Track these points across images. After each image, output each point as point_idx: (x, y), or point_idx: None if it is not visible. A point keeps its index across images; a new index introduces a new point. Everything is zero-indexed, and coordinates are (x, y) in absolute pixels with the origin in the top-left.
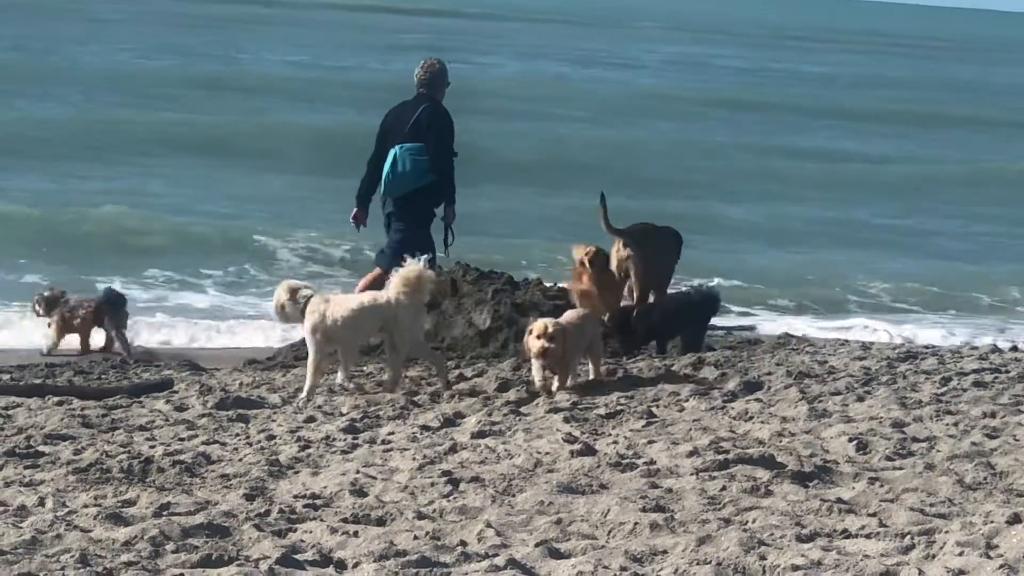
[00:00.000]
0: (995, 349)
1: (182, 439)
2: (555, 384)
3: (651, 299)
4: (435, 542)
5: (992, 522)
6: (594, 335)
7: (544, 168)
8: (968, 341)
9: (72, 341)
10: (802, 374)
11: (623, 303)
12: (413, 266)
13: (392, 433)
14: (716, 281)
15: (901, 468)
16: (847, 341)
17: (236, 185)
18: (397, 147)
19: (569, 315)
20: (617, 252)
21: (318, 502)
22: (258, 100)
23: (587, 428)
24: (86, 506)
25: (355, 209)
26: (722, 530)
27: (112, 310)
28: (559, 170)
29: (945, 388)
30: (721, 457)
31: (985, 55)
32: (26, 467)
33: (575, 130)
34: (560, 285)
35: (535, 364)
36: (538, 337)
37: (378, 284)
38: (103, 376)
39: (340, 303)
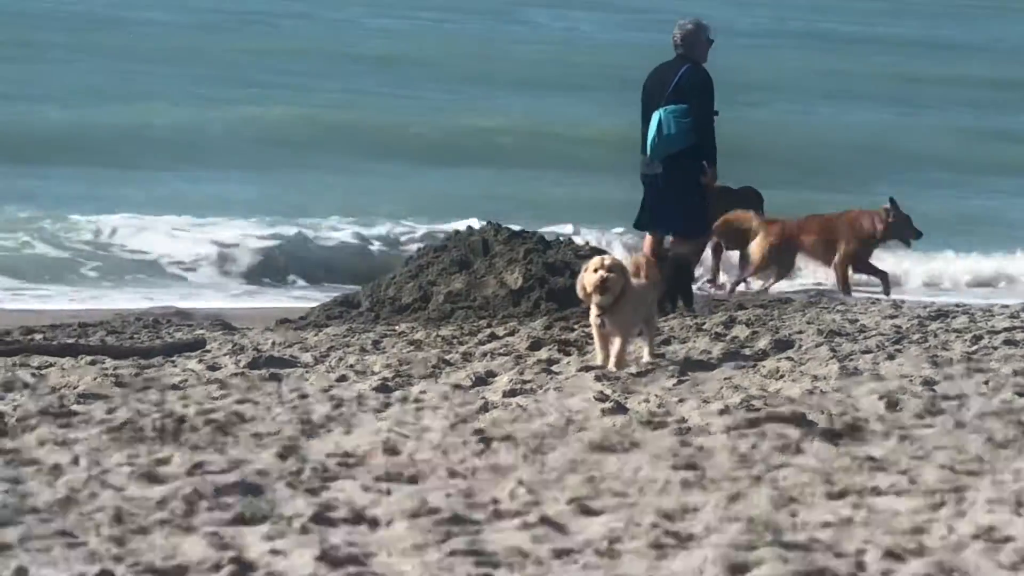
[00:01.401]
0: None
1: (215, 398)
2: (613, 351)
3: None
4: (467, 499)
5: (1022, 480)
6: (652, 306)
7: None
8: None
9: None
10: (833, 332)
11: None
12: None
13: (424, 392)
14: None
15: (931, 426)
16: (878, 299)
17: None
18: (661, 110)
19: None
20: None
21: (351, 460)
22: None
23: (618, 386)
24: (119, 465)
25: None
26: (753, 487)
27: None
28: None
29: (976, 346)
30: (752, 415)
31: None
32: (59, 426)
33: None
34: (592, 245)
35: (597, 336)
36: (595, 270)
37: (700, 250)
38: (135, 336)
39: None
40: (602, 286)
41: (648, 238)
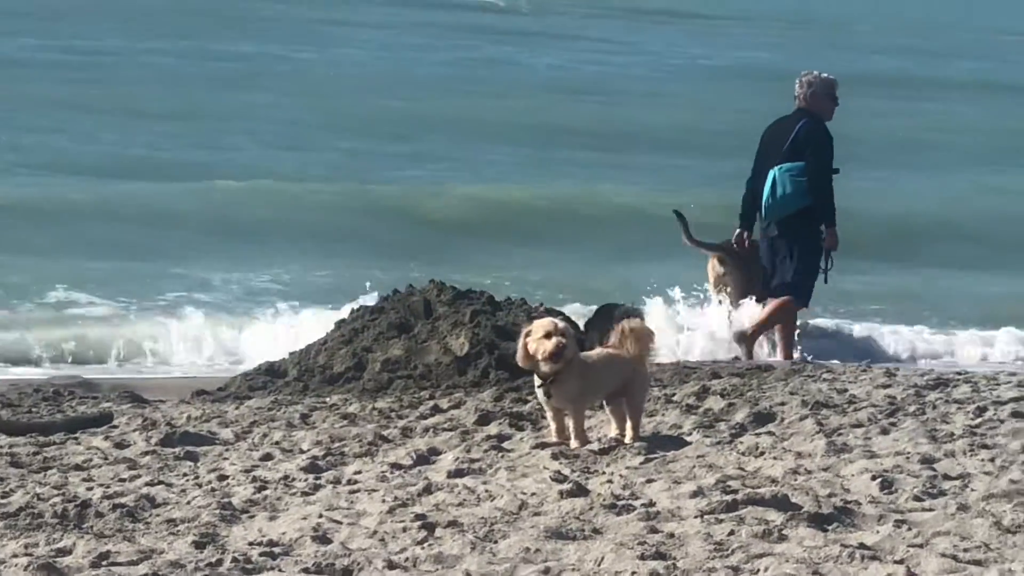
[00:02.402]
0: None
1: (123, 480)
2: (570, 425)
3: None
4: None
5: None
6: (631, 380)
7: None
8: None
9: None
10: (819, 404)
11: None
12: None
13: (359, 472)
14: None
15: (931, 509)
16: (869, 367)
17: None
18: (776, 168)
19: (594, 352)
20: (713, 268)
21: (276, 550)
22: None
23: (578, 465)
24: (15, 556)
25: (737, 230)
26: None
27: None
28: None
29: (980, 419)
30: (729, 498)
31: None
32: None
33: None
34: (546, 306)
35: (550, 410)
36: (548, 335)
37: (787, 314)
38: (34, 409)
39: None
40: (559, 354)
41: (779, 301)
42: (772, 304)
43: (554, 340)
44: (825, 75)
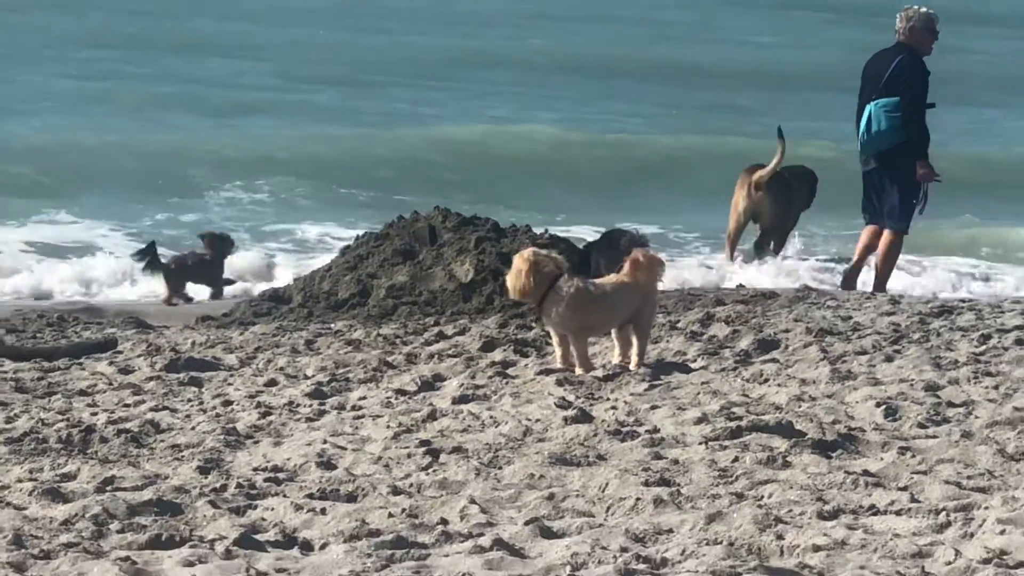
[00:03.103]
0: None
1: (127, 405)
2: (574, 352)
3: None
4: (412, 520)
5: None
6: (641, 307)
7: None
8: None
9: None
10: (823, 331)
11: None
12: None
13: (363, 398)
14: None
15: (935, 436)
16: (873, 295)
17: None
18: (872, 104)
19: (606, 280)
20: (749, 195)
21: (281, 475)
22: None
23: (582, 392)
24: (20, 480)
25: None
26: (734, 506)
27: None
28: None
29: (984, 346)
30: (733, 424)
31: None
32: None
33: None
34: (551, 232)
35: (555, 336)
36: (524, 259)
37: (895, 247)
38: (38, 335)
39: None
40: (524, 279)
41: (866, 229)
42: (882, 244)
43: (514, 265)
44: (925, 9)
